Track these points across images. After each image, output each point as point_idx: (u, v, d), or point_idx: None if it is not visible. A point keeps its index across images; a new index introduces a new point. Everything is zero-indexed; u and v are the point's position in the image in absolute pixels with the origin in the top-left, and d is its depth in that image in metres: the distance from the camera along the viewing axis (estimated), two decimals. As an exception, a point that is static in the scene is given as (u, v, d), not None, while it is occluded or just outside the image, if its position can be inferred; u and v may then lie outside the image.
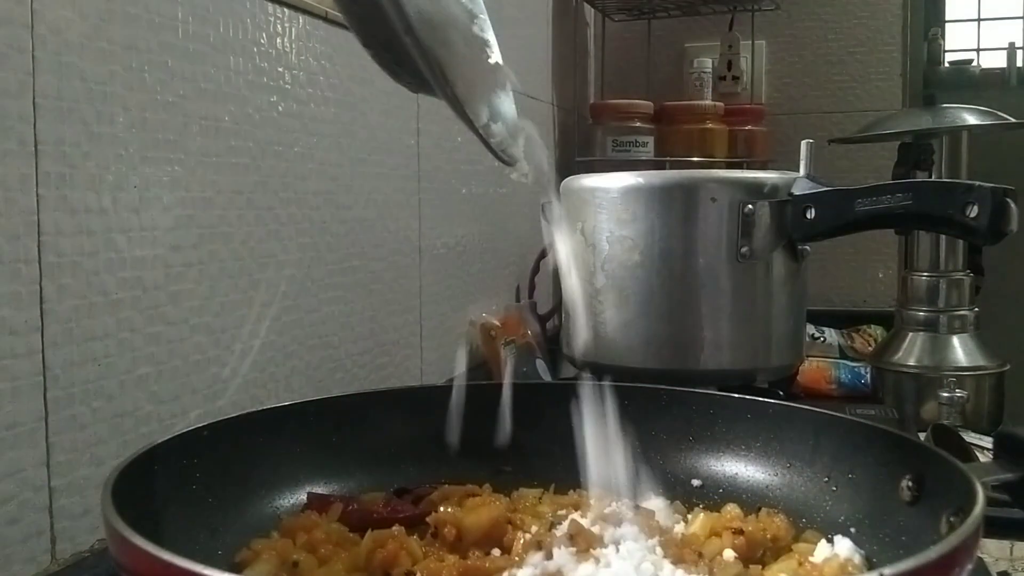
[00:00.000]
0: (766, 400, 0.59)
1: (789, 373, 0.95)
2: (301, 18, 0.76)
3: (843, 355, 1.41)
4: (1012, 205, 0.72)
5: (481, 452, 0.60)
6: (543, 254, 1.32)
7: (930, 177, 1.10)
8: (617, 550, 0.45)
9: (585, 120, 1.62)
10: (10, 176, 0.49)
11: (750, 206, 0.84)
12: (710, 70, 1.72)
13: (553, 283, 1.39)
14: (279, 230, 0.74)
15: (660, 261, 0.86)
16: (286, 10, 0.74)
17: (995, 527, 0.51)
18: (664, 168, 1.52)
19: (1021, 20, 1.88)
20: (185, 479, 0.49)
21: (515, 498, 0.55)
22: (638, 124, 1.54)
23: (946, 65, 1.87)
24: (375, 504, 0.54)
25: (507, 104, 0.41)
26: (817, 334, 1.43)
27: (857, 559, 0.46)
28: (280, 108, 0.74)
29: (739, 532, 0.49)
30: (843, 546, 0.47)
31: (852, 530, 0.49)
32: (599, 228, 0.88)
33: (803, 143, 0.87)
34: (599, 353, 0.89)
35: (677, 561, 0.46)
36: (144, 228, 0.59)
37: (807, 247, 0.87)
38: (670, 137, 1.57)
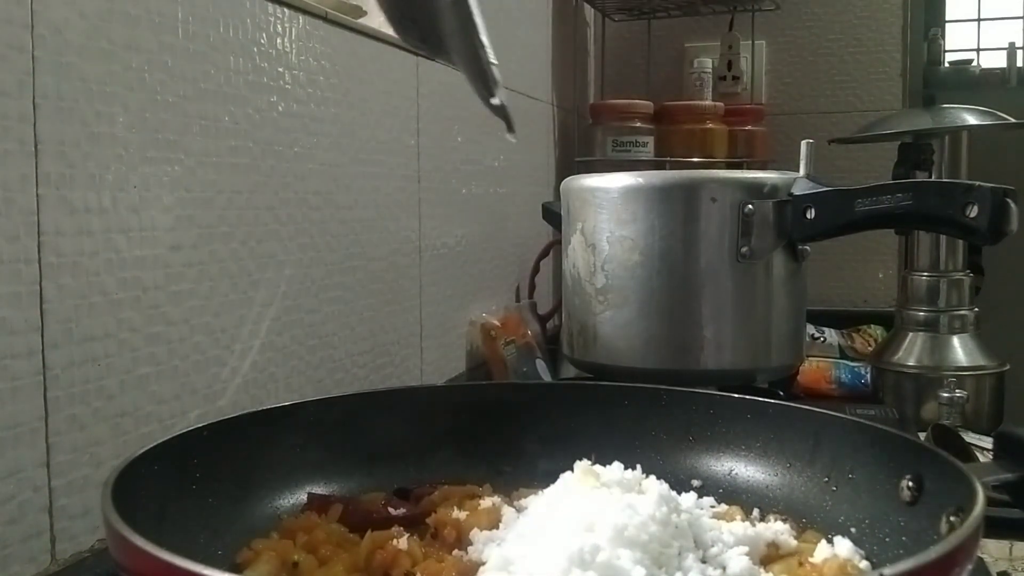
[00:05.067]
0: (766, 400, 0.59)
1: (789, 373, 0.95)
2: (301, 18, 0.76)
3: (843, 355, 1.40)
4: (1012, 205, 0.72)
5: (481, 452, 0.60)
6: (543, 254, 1.32)
7: (930, 177, 1.10)
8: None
9: (585, 120, 1.62)
10: (10, 176, 0.49)
11: (750, 206, 0.84)
12: (710, 70, 1.72)
13: (553, 283, 1.39)
14: (279, 230, 0.74)
15: (660, 261, 0.86)
16: (286, 10, 0.74)
17: (995, 527, 0.51)
18: (664, 168, 1.52)
19: (1021, 20, 1.88)
20: (185, 479, 0.48)
21: (515, 498, 0.55)
22: (638, 124, 1.54)
23: (946, 65, 1.87)
24: (375, 504, 0.54)
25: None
26: (817, 334, 1.43)
27: (857, 559, 0.46)
28: (280, 108, 0.74)
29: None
30: (843, 546, 0.47)
31: (852, 530, 0.49)
32: (599, 228, 0.88)
33: (803, 143, 0.87)
34: (599, 353, 0.90)
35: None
36: (144, 228, 0.59)
37: (807, 247, 0.87)
38: (670, 137, 1.57)
